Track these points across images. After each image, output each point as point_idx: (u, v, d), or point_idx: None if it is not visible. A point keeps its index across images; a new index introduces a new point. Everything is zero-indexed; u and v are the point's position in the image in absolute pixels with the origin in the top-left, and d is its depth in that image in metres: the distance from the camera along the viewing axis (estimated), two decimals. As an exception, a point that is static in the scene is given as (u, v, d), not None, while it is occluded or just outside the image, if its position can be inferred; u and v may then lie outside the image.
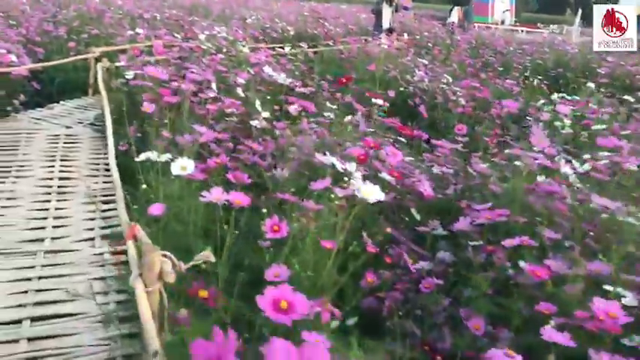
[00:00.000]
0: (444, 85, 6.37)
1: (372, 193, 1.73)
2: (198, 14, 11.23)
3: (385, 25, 11.67)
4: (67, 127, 5.00)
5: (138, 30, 6.52)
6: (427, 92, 6.31)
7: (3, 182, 3.57)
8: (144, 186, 2.30)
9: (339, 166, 2.06)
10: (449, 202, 2.87)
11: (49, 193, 3.49)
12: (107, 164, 4.10)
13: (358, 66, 6.63)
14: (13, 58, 5.32)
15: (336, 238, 1.80)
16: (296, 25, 11.26)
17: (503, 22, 23.60)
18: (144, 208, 2.07)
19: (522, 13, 32.85)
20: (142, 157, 2.22)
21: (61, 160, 4.09)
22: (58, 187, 3.61)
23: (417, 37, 11.15)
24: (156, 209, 1.90)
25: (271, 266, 1.71)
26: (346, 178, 2.17)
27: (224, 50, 5.53)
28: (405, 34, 11.09)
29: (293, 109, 3.62)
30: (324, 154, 2.22)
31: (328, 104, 4.23)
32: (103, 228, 3.05)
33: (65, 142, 4.54)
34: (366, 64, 6.77)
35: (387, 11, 12.06)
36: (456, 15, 15.59)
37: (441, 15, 19.29)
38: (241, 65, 5.20)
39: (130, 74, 4.31)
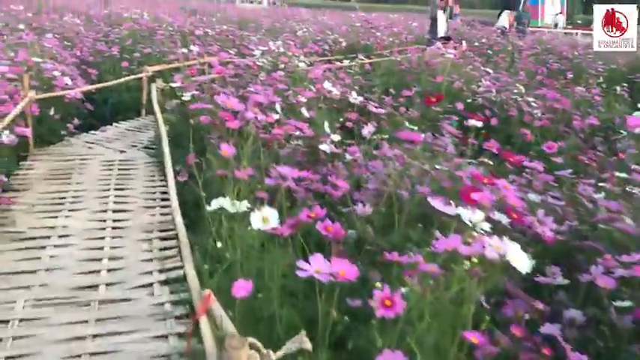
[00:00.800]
0: (516, 96, 5.85)
1: (521, 261, 1.31)
2: (248, 29, 11.05)
3: (441, 32, 11.18)
4: (121, 152, 4.78)
5: (191, 47, 6.28)
6: (496, 103, 5.81)
7: (56, 217, 3.32)
8: (218, 244, 1.94)
9: (467, 217, 1.65)
10: (564, 242, 2.40)
11: (104, 229, 3.22)
12: (164, 192, 3.84)
13: (421, 77, 6.19)
14: (68, 81, 5.16)
15: (463, 311, 1.39)
16: (347, 36, 10.90)
17: (556, 26, 22.53)
18: (215, 264, 1.72)
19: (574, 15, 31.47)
20: (214, 205, 1.87)
21: (116, 190, 3.83)
22: (113, 221, 3.34)
23: (476, 44, 10.60)
24: (241, 288, 1.49)
25: (383, 352, 1.31)
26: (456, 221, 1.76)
27: (281, 66, 5.21)
28: (463, 42, 10.56)
29: (367, 131, 3.23)
30: (442, 200, 1.81)
31: (407, 124, 3.82)
32: (161, 271, 2.73)
33: (120, 169, 4.30)
34: (428, 74, 6.34)
35: (441, 18, 11.57)
36: (506, 19, 14.89)
37: (486, 21, 18.59)
38: (301, 82, 4.87)
39: (186, 96, 4.03)
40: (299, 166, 3.20)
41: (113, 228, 3.24)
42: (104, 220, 3.33)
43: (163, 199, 3.73)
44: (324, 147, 3.18)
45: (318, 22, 14.08)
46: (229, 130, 3.13)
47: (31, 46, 5.87)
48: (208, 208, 1.89)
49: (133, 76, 6.11)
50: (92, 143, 5.05)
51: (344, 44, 9.84)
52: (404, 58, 7.63)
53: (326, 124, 3.31)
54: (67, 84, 5.13)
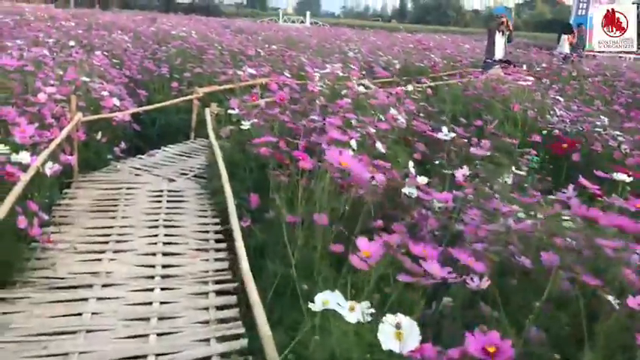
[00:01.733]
0: (599, 129, 5.29)
1: None
2: (297, 49, 10.73)
3: (498, 55, 10.62)
4: (170, 181, 4.42)
5: (248, 69, 5.94)
6: (571, 135, 5.26)
7: (100, 260, 2.94)
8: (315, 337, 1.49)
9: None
10: None
11: (152, 277, 2.82)
12: (217, 232, 3.44)
13: (492, 105, 5.68)
14: (116, 101, 4.87)
15: None
16: (399, 57, 10.46)
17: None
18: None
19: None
20: (318, 303, 1.41)
21: (165, 227, 3.45)
22: (163, 267, 2.94)
23: (537, 69, 10.00)
24: None
25: None
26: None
27: (343, 92, 4.79)
28: (524, 66, 9.98)
29: (461, 174, 2.74)
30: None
31: (514, 170, 3.31)
32: (221, 340, 2.30)
33: (169, 200, 3.93)
34: (498, 101, 5.83)
35: (500, 41, 11.01)
36: (566, 44, 14.20)
37: (541, 44, 17.89)
38: (365, 110, 4.43)
39: (245, 124, 3.64)
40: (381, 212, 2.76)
41: (162, 277, 2.83)
42: (153, 266, 2.93)
43: (217, 241, 3.33)
44: (408, 190, 2.71)
45: (366, 42, 13.69)
46: (298, 169, 2.71)
47: (80, 64, 5.64)
48: (311, 307, 1.41)
49: (183, 98, 5.80)
50: (139, 169, 4.71)
51: (397, 66, 9.39)
52: (468, 82, 7.13)
53: (411, 164, 2.85)
54: (115, 105, 4.84)
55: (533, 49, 14.73)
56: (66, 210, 3.64)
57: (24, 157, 2.66)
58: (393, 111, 4.33)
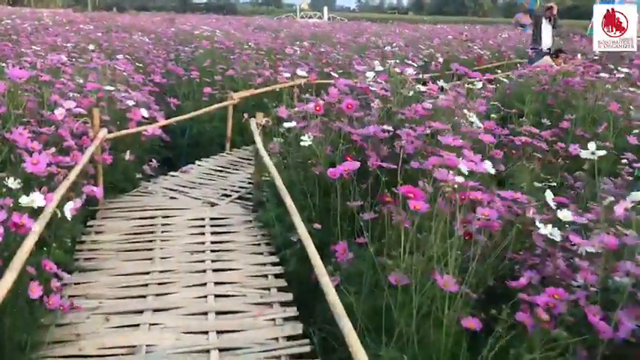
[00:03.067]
0: None
1: None
2: (325, 45, 9.97)
3: (546, 44, 9.77)
4: (212, 205, 3.76)
5: (299, 70, 5.24)
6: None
7: (136, 326, 2.28)
8: None
9: None
10: None
11: (207, 351, 2.14)
12: (278, 275, 2.76)
13: (576, 102, 4.89)
14: (144, 112, 4.21)
15: None
16: (441, 50, 9.68)
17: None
18: None
19: None
20: None
21: (214, 271, 2.78)
22: (218, 333, 2.26)
23: (595, 57, 9.13)
24: None
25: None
26: None
27: (410, 94, 4.06)
28: (578, 55, 9.12)
29: (621, 208, 2.00)
30: None
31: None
32: None
33: (213, 232, 3.27)
34: (576, 96, 5.05)
35: (547, 29, 10.15)
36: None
37: (580, 32, 16.90)
38: (439, 115, 3.70)
39: (305, 140, 2.94)
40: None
41: (220, 350, 2.15)
42: (204, 333, 2.26)
43: (280, 289, 2.65)
44: (548, 231, 1.99)
45: (395, 35, 12.89)
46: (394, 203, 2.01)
47: (102, 70, 5.01)
48: None
49: (218, 105, 5.12)
50: (174, 190, 4.06)
51: (440, 60, 8.62)
52: (532, 76, 6.33)
53: (549, 195, 2.12)
54: (143, 117, 4.18)
55: (572, 37, 13.82)
56: (91, 249, 2.99)
57: (36, 199, 2.02)
58: (473, 117, 3.59)
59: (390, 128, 3.06)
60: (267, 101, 5.69)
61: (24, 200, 2.03)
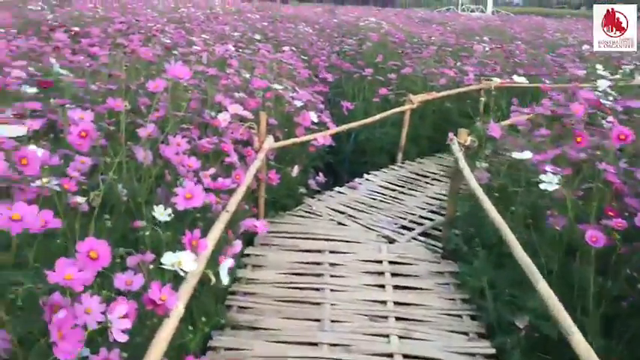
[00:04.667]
0: None
1: None
2: (499, 41, 8.66)
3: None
4: (389, 241, 3.00)
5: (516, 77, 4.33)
6: None
7: None
8: None
9: None
10: None
11: None
12: None
13: None
14: (313, 117, 3.57)
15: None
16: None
17: None
18: None
19: None
20: None
21: (405, 358, 2.01)
22: None
23: None
24: None
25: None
26: None
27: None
28: None
29: None
30: None
31: None
32: None
33: (396, 288, 2.50)
34: None
35: None
36: None
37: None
38: None
39: (547, 182, 2.03)
40: None
41: None
42: None
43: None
44: None
45: (577, 31, 11.06)
46: None
47: (269, 65, 4.49)
48: None
49: (395, 110, 4.34)
50: (341, 213, 3.37)
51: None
52: None
53: None
54: (313, 122, 3.54)
55: None
56: (247, 293, 2.39)
57: (184, 261, 1.40)
58: None
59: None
60: (449, 106, 4.89)
61: (168, 260, 1.41)
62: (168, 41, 5.08)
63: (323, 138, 3.41)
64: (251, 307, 2.28)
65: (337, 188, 3.83)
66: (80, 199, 1.69)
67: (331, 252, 2.81)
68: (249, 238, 2.90)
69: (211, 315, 2.01)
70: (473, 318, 2.27)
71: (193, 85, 3.21)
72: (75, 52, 3.86)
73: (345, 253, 2.81)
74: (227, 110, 2.70)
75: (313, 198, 3.59)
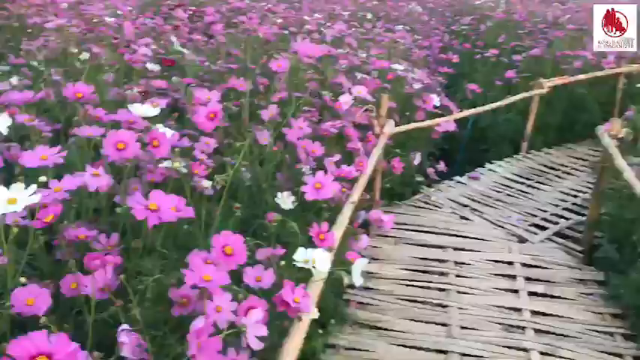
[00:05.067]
0: None
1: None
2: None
3: None
4: (520, 241, 2.71)
5: None
6: None
7: None
8: None
9: None
10: None
11: None
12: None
13: None
14: (436, 100, 3.32)
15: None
16: None
17: None
18: None
19: None
20: None
21: (543, 358, 1.77)
22: None
23: None
24: None
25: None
26: None
27: None
28: None
29: None
30: None
31: None
32: None
33: (531, 294, 2.23)
34: None
35: None
36: None
37: None
38: None
39: None
40: None
41: None
42: None
43: None
44: None
45: None
46: None
47: (385, 44, 4.27)
48: None
49: (523, 94, 3.95)
50: (464, 206, 3.11)
51: None
52: None
53: None
54: (434, 106, 3.29)
55: None
56: (366, 288, 2.22)
57: (318, 257, 1.24)
58: None
59: None
60: (582, 92, 4.39)
61: (300, 257, 1.27)
62: (280, 20, 5.02)
63: (446, 123, 3.15)
64: (371, 304, 2.12)
65: (457, 178, 3.56)
66: (206, 183, 1.60)
67: (455, 249, 2.58)
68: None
69: (335, 313, 1.88)
70: (627, 338, 1.96)
71: (308, 65, 3.08)
72: (191, 32, 3.89)
73: (470, 251, 2.57)
74: (349, 92, 2.53)
75: (431, 187, 3.35)
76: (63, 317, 1.16)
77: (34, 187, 0.90)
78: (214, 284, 0.99)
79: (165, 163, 1.50)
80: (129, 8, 4.14)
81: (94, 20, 3.51)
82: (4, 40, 3.21)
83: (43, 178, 1.14)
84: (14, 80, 2.18)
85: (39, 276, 1.24)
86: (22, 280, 0.97)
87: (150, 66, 2.50)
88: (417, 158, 2.94)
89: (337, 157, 2.00)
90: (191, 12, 4.97)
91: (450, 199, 3.20)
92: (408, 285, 2.27)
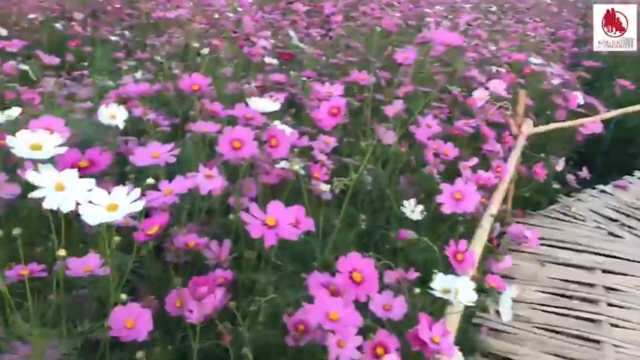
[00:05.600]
0: None
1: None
2: None
3: None
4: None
5: None
6: None
7: None
8: None
9: None
10: None
11: None
12: None
13: None
14: (580, 99, 2.90)
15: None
16: None
17: None
18: None
19: None
20: None
21: None
22: None
23: None
24: None
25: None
26: None
27: None
28: None
29: None
30: None
31: None
32: None
33: None
34: None
35: None
36: None
37: None
38: None
39: None
40: None
41: None
42: None
43: None
44: None
45: None
46: None
47: (518, 37, 3.88)
48: None
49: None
50: (612, 221, 2.69)
51: None
52: None
53: None
54: (578, 104, 2.88)
55: None
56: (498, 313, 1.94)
57: (464, 291, 1.01)
58: None
59: None
60: None
61: (439, 285, 1.04)
62: (399, 14, 4.80)
63: (593, 124, 2.74)
64: (506, 332, 1.84)
65: (600, 186, 3.11)
66: (324, 187, 1.43)
67: (604, 271, 2.20)
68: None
69: (464, 339, 1.63)
70: None
71: (434, 57, 2.82)
72: (308, 27, 3.79)
73: (624, 275, 2.18)
74: (484, 87, 2.24)
75: (570, 197, 2.95)
76: (167, 332, 1.04)
77: (137, 191, 0.76)
78: (342, 325, 0.80)
79: (282, 164, 1.35)
80: (250, 1, 4.13)
81: (216, 16, 3.52)
82: (132, 36, 3.31)
83: (150, 181, 1.02)
84: (138, 74, 2.18)
85: (146, 282, 1.14)
86: (123, 297, 0.84)
87: (268, 60, 2.40)
88: (560, 163, 2.57)
89: (474, 160, 1.74)
90: (308, 7, 4.91)
91: (592, 211, 2.78)
92: (548, 312, 1.95)
